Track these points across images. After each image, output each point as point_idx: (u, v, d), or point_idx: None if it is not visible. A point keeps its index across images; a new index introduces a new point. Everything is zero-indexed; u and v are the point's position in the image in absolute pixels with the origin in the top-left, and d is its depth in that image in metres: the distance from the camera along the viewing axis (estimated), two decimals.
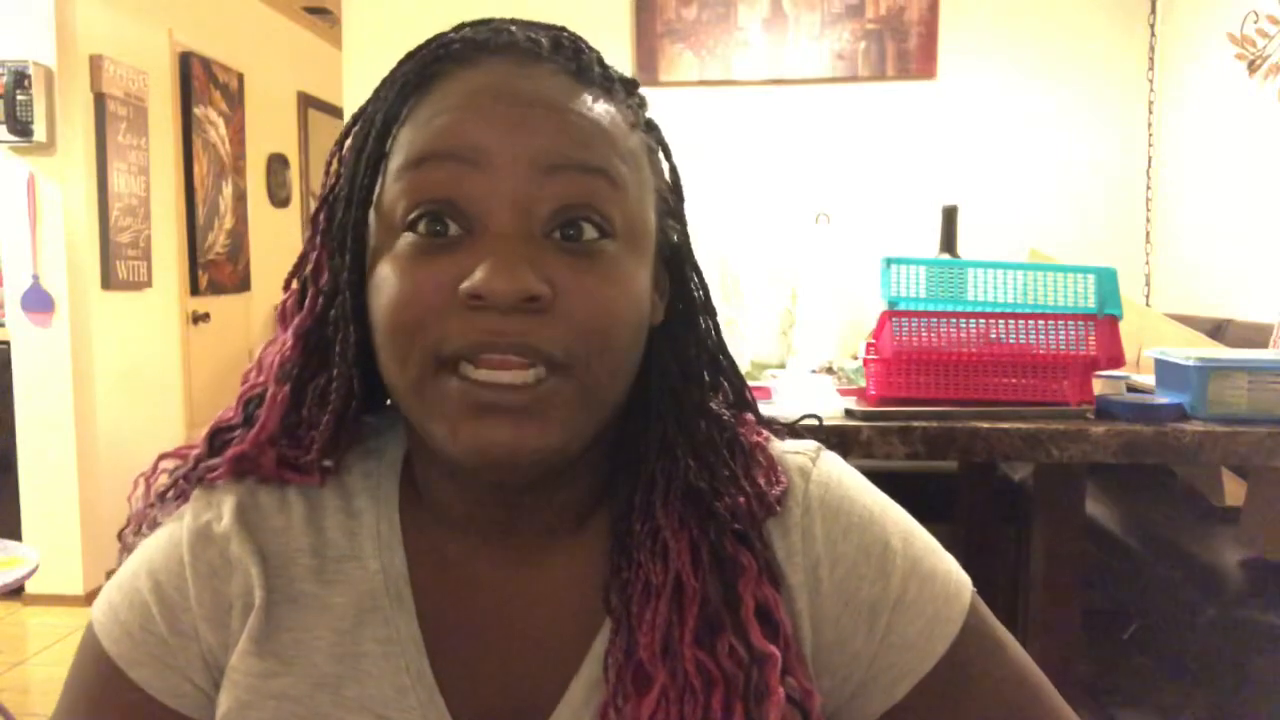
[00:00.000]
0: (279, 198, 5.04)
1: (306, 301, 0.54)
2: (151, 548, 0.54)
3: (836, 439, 1.30)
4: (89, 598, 3.26)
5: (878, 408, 1.37)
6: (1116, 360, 1.36)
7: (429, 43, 0.51)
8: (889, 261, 1.41)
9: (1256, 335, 2.13)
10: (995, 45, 3.10)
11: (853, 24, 3.11)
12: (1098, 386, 1.43)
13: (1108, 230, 3.07)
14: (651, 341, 0.53)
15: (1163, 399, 1.39)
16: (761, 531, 0.53)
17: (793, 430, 0.63)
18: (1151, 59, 3.04)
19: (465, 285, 0.45)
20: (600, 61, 0.52)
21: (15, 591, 3.00)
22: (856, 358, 1.76)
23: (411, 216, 0.47)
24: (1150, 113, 3.05)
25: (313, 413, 0.53)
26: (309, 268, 0.54)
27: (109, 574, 0.67)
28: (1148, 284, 3.07)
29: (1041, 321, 1.36)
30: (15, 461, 3.29)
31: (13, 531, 3.17)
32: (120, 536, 0.57)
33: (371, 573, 0.53)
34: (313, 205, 0.55)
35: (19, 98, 3.12)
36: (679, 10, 3.16)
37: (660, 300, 0.56)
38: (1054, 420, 1.33)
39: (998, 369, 1.38)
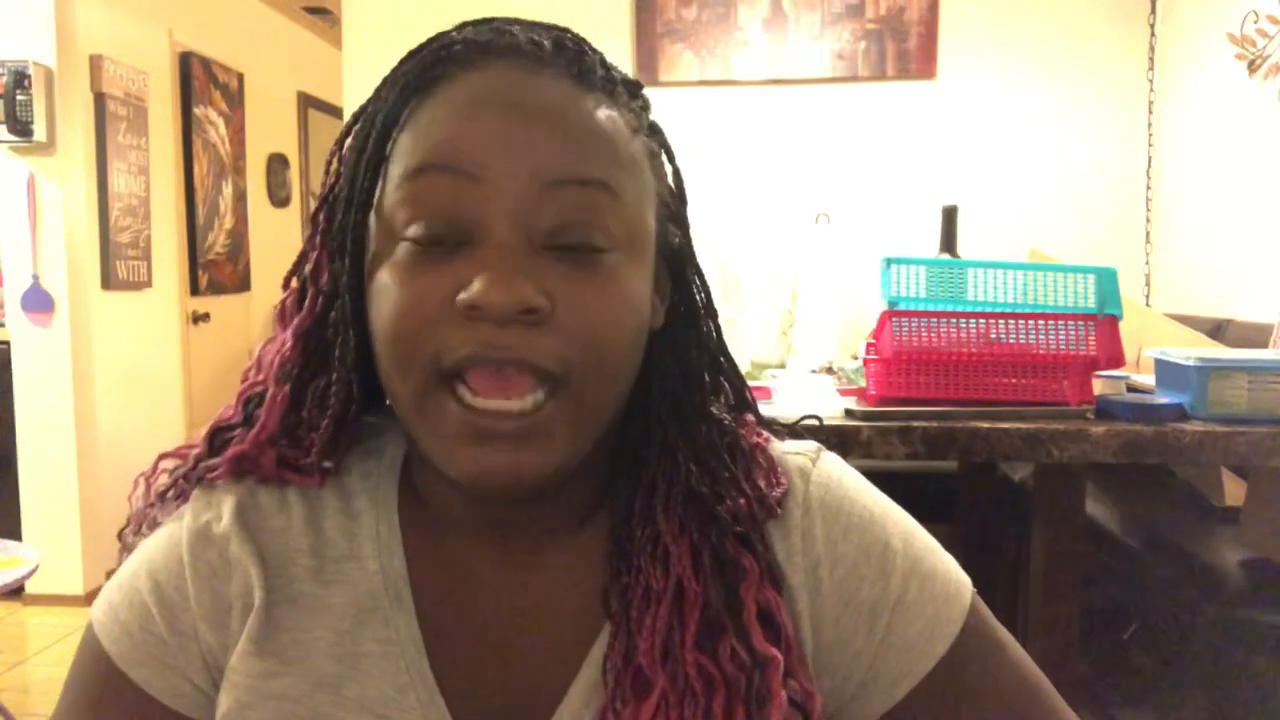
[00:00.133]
0: (279, 198, 5.04)
1: (306, 302, 0.53)
2: (151, 548, 0.54)
3: (836, 439, 1.30)
4: (89, 598, 3.26)
5: (878, 408, 1.37)
6: (1116, 360, 1.36)
7: (430, 42, 0.51)
8: (889, 261, 1.40)
9: (1256, 335, 2.13)
10: (995, 45, 3.10)
11: (853, 24, 3.11)
12: (1098, 386, 1.43)
13: (1108, 230, 3.07)
14: (652, 345, 0.53)
15: (1163, 399, 1.39)
16: (763, 533, 0.53)
17: (793, 431, 0.62)
18: (1151, 59, 3.04)
19: (463, 296, 0.45)
20: (603, 64, 0.52)
21: (15, 591, 3.00)
22: (856, 358, 1.77)
23: (411, 226, 0.47)
24: (1150, 113, 3.05)
25: (312, 414, 0.53)
26: (308, 267, 0.54)
27: (109, 574, 0.67)
28: (1148, 284, 3.07)
29: (1041, 321, 1.36)
30: (15, 461, 3.29)
31: (13, 531, 3.17)
32: (120, 536, 0.57)
33: (371, 573, 0.53)
34: (313, 205, 0.55)
35: (19, 98, 3.12)
36: (679, 10, 3.16)
37: (661, 304, 0.55)
38: (1054, 420, 1.33)
39: (998, 369, 1.38)
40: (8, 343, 3.28)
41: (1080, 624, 1.51)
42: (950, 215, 2.00)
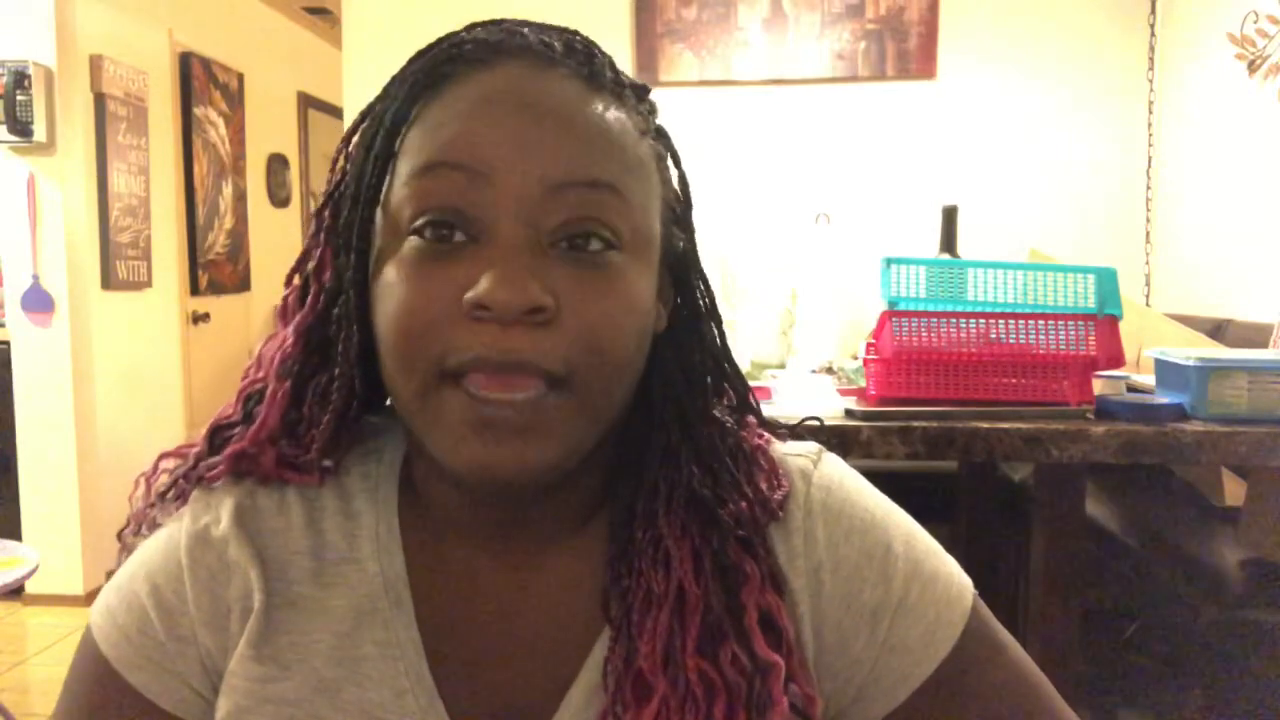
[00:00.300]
0: (279, 198, 5.04)
1: (309, 299, 0.53)
2: (149, 551, 0.54)
3: (836, 439, 1.30)
4: (89, 598, 3.26)
5: (878, 408, 1.37)
6: (1116, 360, 1.36)
7: (440, 41, 0.51)
8: (889, 261, 1.41)
9: (1256, 335, 2.13)
10: (995, 45, 3.10)
11: (853, 24, 3.11)
12: (1098, 386, 1.43)
13: (1108, 230, 3.07)
14: (655, 348, 0.53)
15: (1163, 399, 1.39)
16: (764, 536, 0.52)
17: (794, 432, 0.62)
18: (1151, 59, 3.04)
19: (470, 295, 0.45)
20: (612, 66, 0.52)
21: (15, 591, 3.00)
22: (856, 358, 1.77)
23: (418, 222, 0.47)
24: (1150, 113, 3.05)
25: (313, 411, 0.53)
26: (312, 264, 0.54)
27: (109, 574, 0.67)
28: (1148, 284, 3.07)
29: (1041, 321, 1.36)
30: (15, 461, 3.29)
31: (13, 531, 3.17)
32: (120, 536, 0.56)
33: (370, 575, 0.53)
34: (313, 205, 0.55)
35: (19, 98, 3.12)
36: (679, 10, 3.16)
37: (664, 308, 0.55)
38: (1054, 420, 1.33)
39: (998, 369, 1.38)
40: (8, 343, 3.28)
41: (1080, 624, 1.51)
42: (950, 215, 2.00)
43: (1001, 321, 1.37)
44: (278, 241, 4.87)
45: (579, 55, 0.50)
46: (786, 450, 0.57)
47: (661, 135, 0.55)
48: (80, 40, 3.31)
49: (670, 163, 0.55)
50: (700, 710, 0.48)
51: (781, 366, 1.96)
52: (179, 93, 4.08)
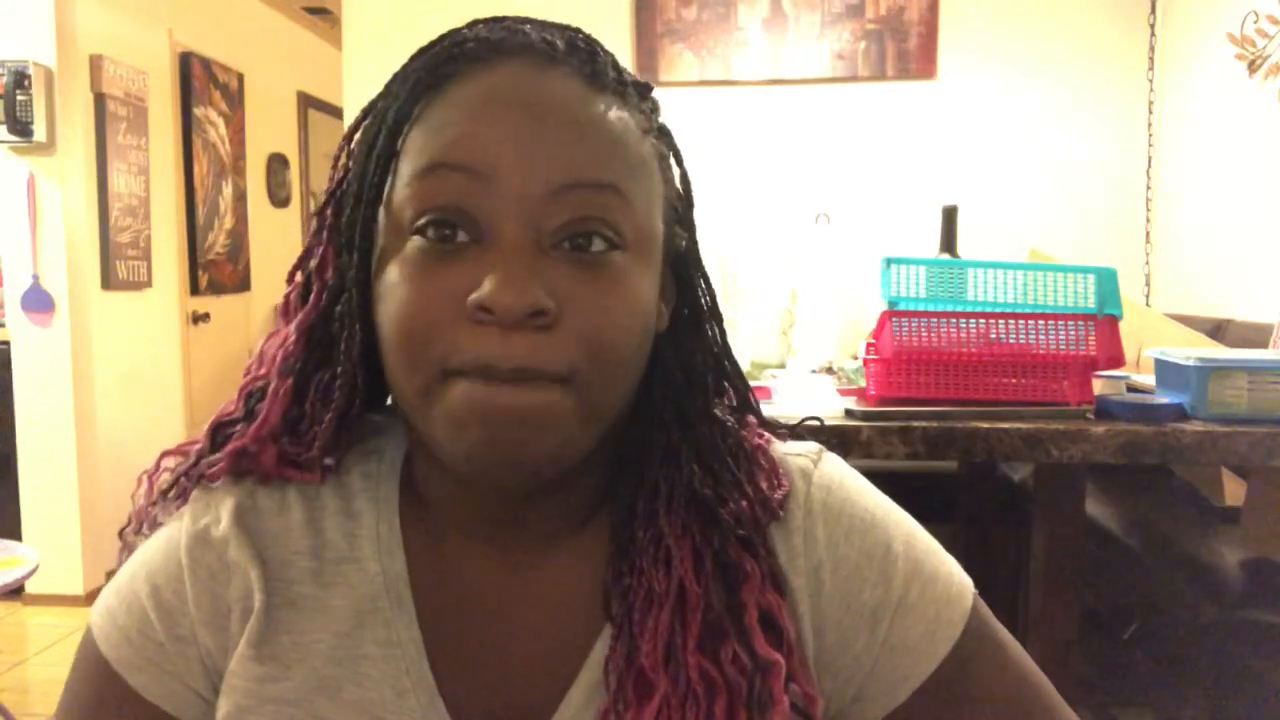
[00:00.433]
0: (279, 198, 5.04)
1: (311, 296, 0.53)
2: (149, 552, 0.54)
3: (836, 439, 1.30)
4: (89, 598, 3.26)
5: (878, 408, 1.37)
6: (1116, 360, 1.36)
7: (443, 39, 0.51)
8: (889, 261, 1.41)
9: (1256, 335, 2.13)
10: (995, 45, 3.10)
11: (853, 24, 3.11)
12: (1098, 386, 1.43)
13: (1108, 230, 3.07)
14: (656, 347, 0.53)
15: (1163, 399, 1.39)
16: (765, 536, 0.53)
17: (795, 432, 0.62)
18: (1151, 59, 3.04)
19: (473, 298, 0.45)
20: (614, 65, 0.52)
21: (15, 591, 3.00)
22: (856, 358, 1.77)
23: (420, 222, 0.47)
24: (1150, 113, 3.05)
25: (315, 409, 0.53)
26: (314, 262, 0.54)
27: (109, 574, 0.67)
28: (1148, 284, 3.07)
29: (1041, 321, 1.36)
30: (15, 461, 3.29)
31: (13, 531, 3.17)
32: (122, 535, 0.57)
33: (371, 575, 0.53)
34: (313, 205, 0.56)
35: (19, 98, 3.12)
36: (679, 10, 3.16)
37: (666, 307, 0.55)
38: (1054, 420, 1.33)
39: (998, 369, 1.38)
40: (8, 343, 3.28)
41: (1080, 624, 1.51)
42: (950, 215, 2.00)
43: (1001, 321, 1.37)
44: (278, 241, 4.87)
45: (581, 54, 0.50)
46: (787, 450, 0.57)
47: (664, 134, 0.54)
48: (80, 40, 3.31)
49: (672, 161, 0.55)
50: (701, 708, 0.48)
51: (781, 366, 1.96)
52: (179, 93, 4.08)
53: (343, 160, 0.54)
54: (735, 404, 0.60)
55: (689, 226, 0.57)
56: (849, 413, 1.38)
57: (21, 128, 3.13)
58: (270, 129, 4.93)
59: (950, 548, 0.57)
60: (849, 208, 2.99)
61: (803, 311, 2.05)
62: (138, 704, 0.51)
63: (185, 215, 4.12)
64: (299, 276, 0.55)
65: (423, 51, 0.51)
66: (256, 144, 4.77)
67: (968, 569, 0.56)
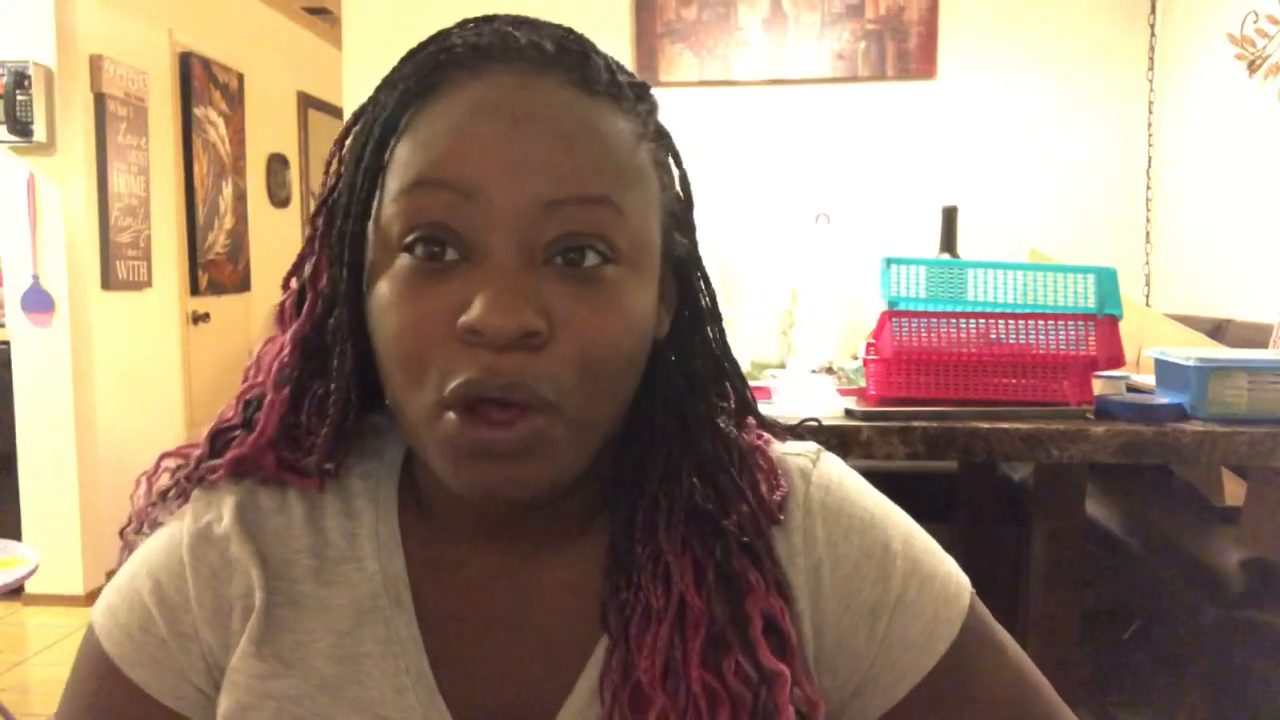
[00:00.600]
0: (279, 198, 5.04)
1: (305, 306, 0.53)
2: (151, 549, 0.54)
3: (836, 439, 1.30)
4: (89, 598, 3.26)
5: (878, 408, 1.37)
6: (1116, 360, 1.36)
7: (430, 43, 0.50)
8: (889, 261, 1.41)
9: (1256, 335, 2.13)
10: (995, 45, 3.10)
11: (853, 24, 3.11)
12: (1098, 386, 1.43)
13: (1108, 230, 3.07)
14: (656, 351, 0.53)
15: (1163, 399, 1.39)
16: (767, 540, 0.52)
17: (794, 431, 0.62)
18: (1151, 59, 3.04)
19: (463, 320, 0.44)
20: (608, 67, 0.50)
21: (15, 591, 3.00)
22: (856, 358, 1.77)
23: (409, 239, 0.46)
24: (1150, 113, 3.05)
25: (311, 420, 0.53)
26: (308, 269, 0.54)
27: (109, 574, 0.67)
28: (1148, 284, 3.08)
29: (1041, 321, 1.36)
30: (15, 461, 3.29)
31: (13, 531, 3.17)
32: (122, 534, 0.57)
33: (370, 574, 0.53)
34: (313, 205, 0.55)
35: (19, 98, 3.12)
36: (679, 10, 3.16)
37: (667, 312, 0.55)
38: (1054, 420, 1.33)
39: (998, 369, 1.38)
40: (8, 343, 3.28)
41: (1080, 624, 1.51)
42: (950, 215, 2.00)
43: (1001, 321, 1.37)
44: (278, 241, 4.87)
45: (573, 57, 0.49)
46: (785, 450, 0.57)
47: (661, 136, 0.53)
48: (80, 40, 3.31)
49: (671, 163, 0.54)
50: None
51: (781, 366, 1.96)
52: (179, 93, 4.08)
53: (334, 166, 0.53)
54: (734, 405, 0.59)
55: (689, 229, 0.56)
56: (849, 413, 1.38)
57: (21, 128, 3.13)
58: (270, 129, 4.93)
59: (950, 548, 0.57)
60: (849, 208, 2.99)
61: (803, 311, 2.05)
62: (140, 700, 0.51)
63: (185, 215, 4.12)
64: (294, 283, 0.55)
65: (411, 55, 0.50)
66: (256, 144, 4.77)
67: (967, 569, 0.56)
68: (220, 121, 4.37)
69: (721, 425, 0.56)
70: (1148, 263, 3.08)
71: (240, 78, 4.58)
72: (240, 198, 4.60)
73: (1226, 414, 1.33)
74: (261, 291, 4.71)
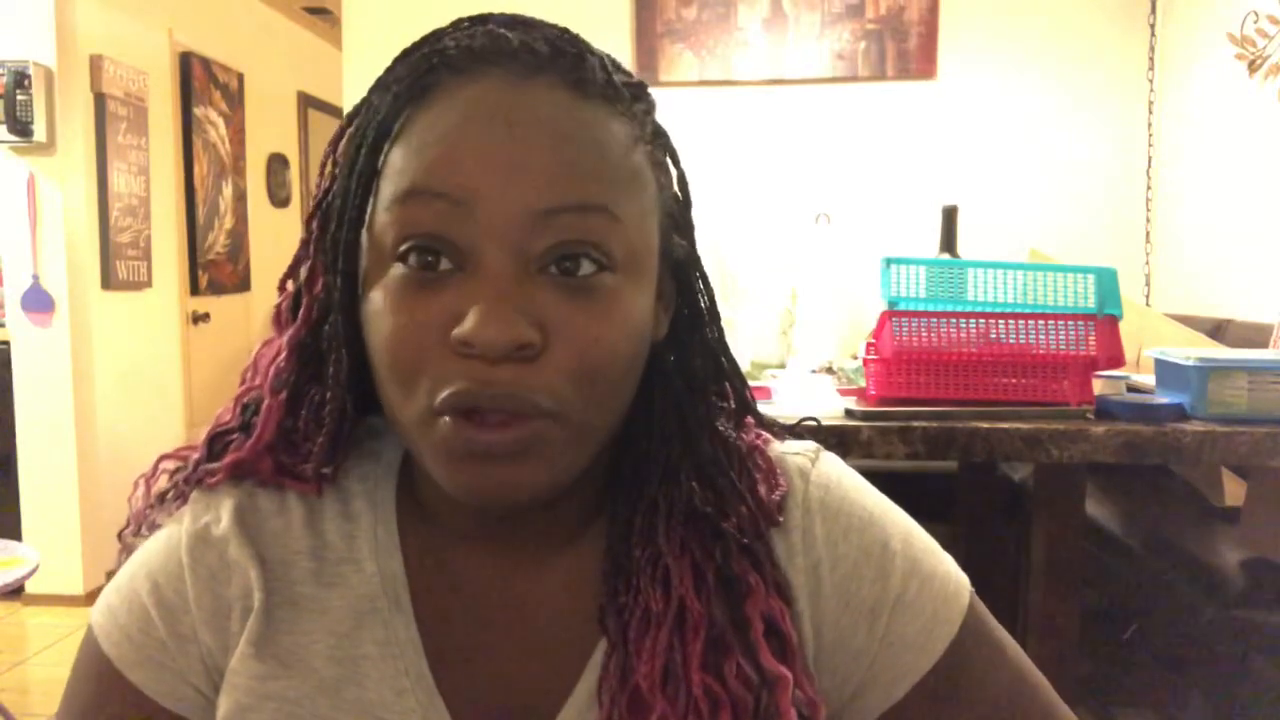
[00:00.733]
0: (279, 198, 5.04)
1: (300, 312, 0.53)
2: (150, 551, 0.54)
3: (836, 439, 1.30)
4: (89, 598, 3.26)
5: (878, 408, 1.37)
6: (1116, 360, 1.36)
7: (423, 44, 0.49)
8: (889, 261, 1.41)
9: (1256, 335, 2.13)
10: (995, 45, 3.10)
11: (853, 24, 3.11)
12: (1098, 386, 1.43)
13: (1108, 230, 3.07)
14: (655, 353, 0.53)
15: (1163, 399, 1.39)
16: (766, 541, 0.52)
17: (793, 431, 0.62)
18: (1151, 59, 3.04)
19: (456, 333, 0.44)
20: (604, 66, 0.50)
21: (15, 591, 3.00)
22: (856, 358, 1.77)
23: (402, 248, 0.46)
24: (1150, 113, 3.05)
25: (308, 426, 0.53)
26: (303, 273, 0.54)
27: (109, 574, 0.67)
28: (1148, 284, 3.07)
29: (1041, 321, 1.36)
30: (15, 461, 3.29)
31: (13, 531, 3.17)
32: (120, 536, 0.57)
33: (368, 575, 0.53)
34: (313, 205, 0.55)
35: (19, 98, 3.12)
36: (679, 10, 3.16)
37: (665, 313, 0.54)
38: (1054, 420, 1.33)
39: (998, 369, 1.38)
40: (8, 343, 3.28)
41: (1080, 624, 1.51)
42: (950, 215, 2.00)
43: (1001, 321, 1.37)
44: (278, 241, 4.87)
45: (567, 58, 0.48)
46: (785, 449, 0.57)
47: (659, 136, 0.53)
48: (80, 40, 3.31)
49: (669, 163, 0.54)
50: None
51: (781, 366, 1.96)
52: (179, 93, 4.08)
53: (328, 169, 0.53)
54: (734, 404, 0.59)
55: (687, 230, 0.56)
56: (849, 413, 1.38)
57: (21, 128, 3.14)
58: (270, 129, 4.93)
59: (950, 548, 0.57)
60: (849, 208, 2.99)
61: (803, 311, 2.05)
62: (139, 702, 0.51)
63: (185, 215, 4.12)
64: (289, 286, 0.55)
65: (405, 56, 0.50)
66: (256, 144, 4.77)
67: (967, 569, 0.56)
68: (220, 121, 4.37)
69: (720, 426, 0.55)
70: (1148, 263, 3.08)
71: (240, 78, 4.58)
72: (240, 198, 4.60)
73: (1226, 414, 1.33)
74: (261, 291, 4.71)
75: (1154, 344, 1.61)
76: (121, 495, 0.58)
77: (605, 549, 0.53)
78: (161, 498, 0.56)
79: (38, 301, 3.23)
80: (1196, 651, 1.80)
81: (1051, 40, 3.07)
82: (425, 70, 0.48)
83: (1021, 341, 1.37)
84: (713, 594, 0.50)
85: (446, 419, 0.45)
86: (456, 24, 0.50)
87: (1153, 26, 3.02)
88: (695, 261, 0.56)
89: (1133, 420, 1.33)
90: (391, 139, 0.48)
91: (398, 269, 0.46)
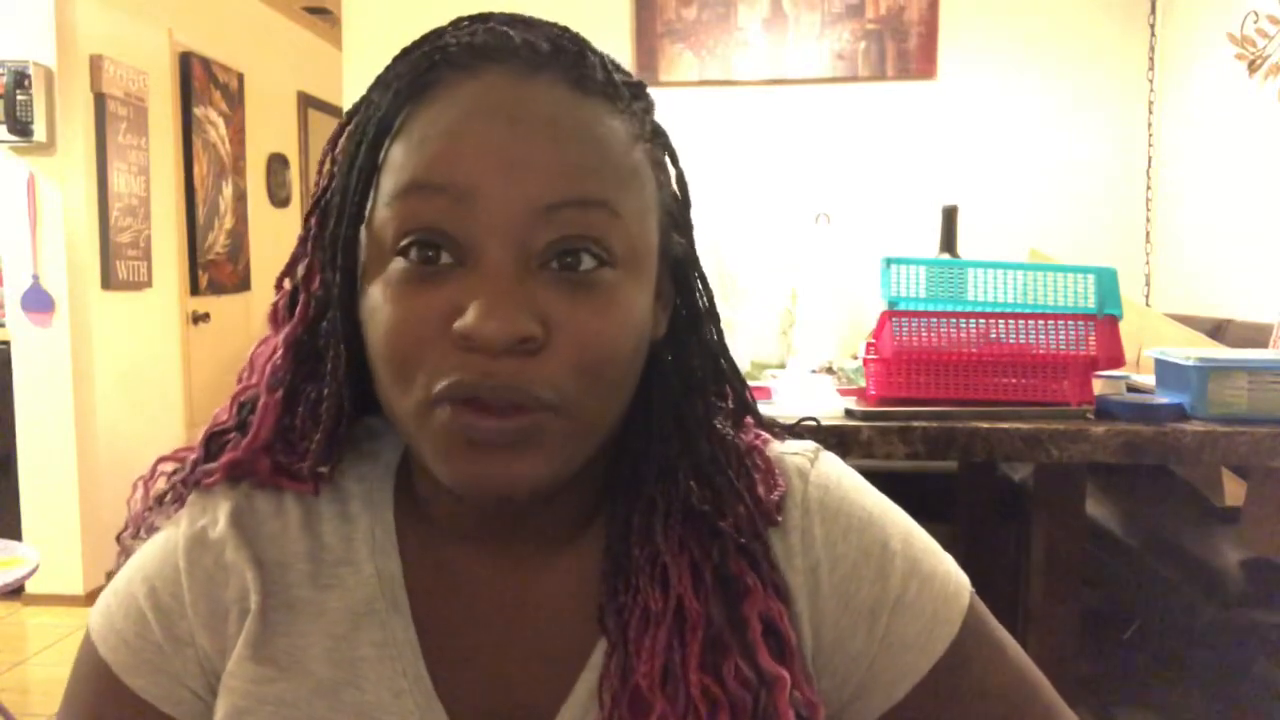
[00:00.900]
0: (279, 198, 5.04)
1: (298, 309, 0.53)
2: (147, 554, 0.54)
3: (836, 439, 1.30)
4: (89, 598, 3.26)
5: (878, 408, 1.37)
6: (1116, 360, 1.36)
7: (424, 42, 0.50)
8: (889, 261, 1.41)
9: (1256, 335, 2.13)
10: (995, 45, 3.10)
11: (853, 24, 3.11)
12: (1098, 386, 1.43)
13: (1108, 230, 3.07)
14: (653, 352, 0.52)
15: (1163, 399, 1.39)
16: (765, 542, 0.52)
17: (792, 431, 0.62)
18: (1151, 59, 3.04)
19: (457, 326, 0.44)
20: (604, 66, 0.50)
21: (15, 591, 3.00)
22: (856, 358, 1.77)
23: (403, 243, 0.46)
24: (1150, 113, 3.05)
25: (305, 424, 0.53)
26: (300, 271, 0.53)
27: (109, 574, 0.67)
28: (1148, 284, 3.07)
29: (1041, 321, 1.36)
30: (15, 461, 3.29)
31: (13, 531, 3.17)
32: (119, 539, 0.56)
33: (366, 577, 0.53)
34: None
35: (19, 98, 3.12)
36: (679, 10, 3.16)
37: (663, 313, 0.54)
38: (1054, 420, 1.33)
39: (998, 369, 1.38)
40: (8, 343, 3.28)
41: (1080, 624, 1.51)
42: (950, 215, 2.00)
43: (1001, 321, 1.37)
44: (278, 241, 4.87)
45: (568, 56, 0.48)
46: (784, 449, 0.57)
47: (658, 135, 0.53)
48: (80, 40, 3.31)
49: (668, 163, 0.54)
50: None
51: (781, 366, 1.96)
52: (179, 93, 4.08)
53: (327, 167, 0.53)
54: (733, 406, 0.59)
55: (686, 229, 0.56)
56: (849, 413, 1.38)
57: (21, 128, 3.13)
58: (270, 129, 4.93)
59: (950, 548, 0.57)
60: (849, 208, 2.99)
61: (803, 311, 2.05)
62: (137, 706, 0.51)
63: (185, 215, 4.12)
64: (287, 283, 0.55)
65: (405, 54, 0.50)
66: (256, 144, 4.77)
67: (967, 569, 0.56)
68: (220, 121, 4.37)
69: (719, 425, 0.55)
70: (1148, 263, 3.08)
71: (240, 78, 4.58)
72: (240, 198, 4.60)
73: (1226, 414, 1.33)
74: (261, 291, 4.71)
75: (1154, 344, 1.61)
76: (121, 495, 0.58)
77: (605, 548, 0.53)
78: (160, 500, 0.56)
79: (38, 301, 3.23)
80: (1196, 651, 1.80)
81: (1051, 40, 3.07)
82: (426, 67, 0.48)
83: (1021, 341, 1.37)
84: (711, 594, 0.50)
85: (445, 407, 0.45)
86: (456, 23, 0.50)
87: (1153, 26, 3.02)
88: (694, 261, 0.56)
89: (1133, 420, 1.33)
90: (392, 135, 0.48)
91: (398, 263, 0.46)
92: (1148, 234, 3.07)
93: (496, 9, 0.54)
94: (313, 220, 0.53)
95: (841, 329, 2.04)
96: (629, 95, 0.51)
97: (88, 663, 0.53)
